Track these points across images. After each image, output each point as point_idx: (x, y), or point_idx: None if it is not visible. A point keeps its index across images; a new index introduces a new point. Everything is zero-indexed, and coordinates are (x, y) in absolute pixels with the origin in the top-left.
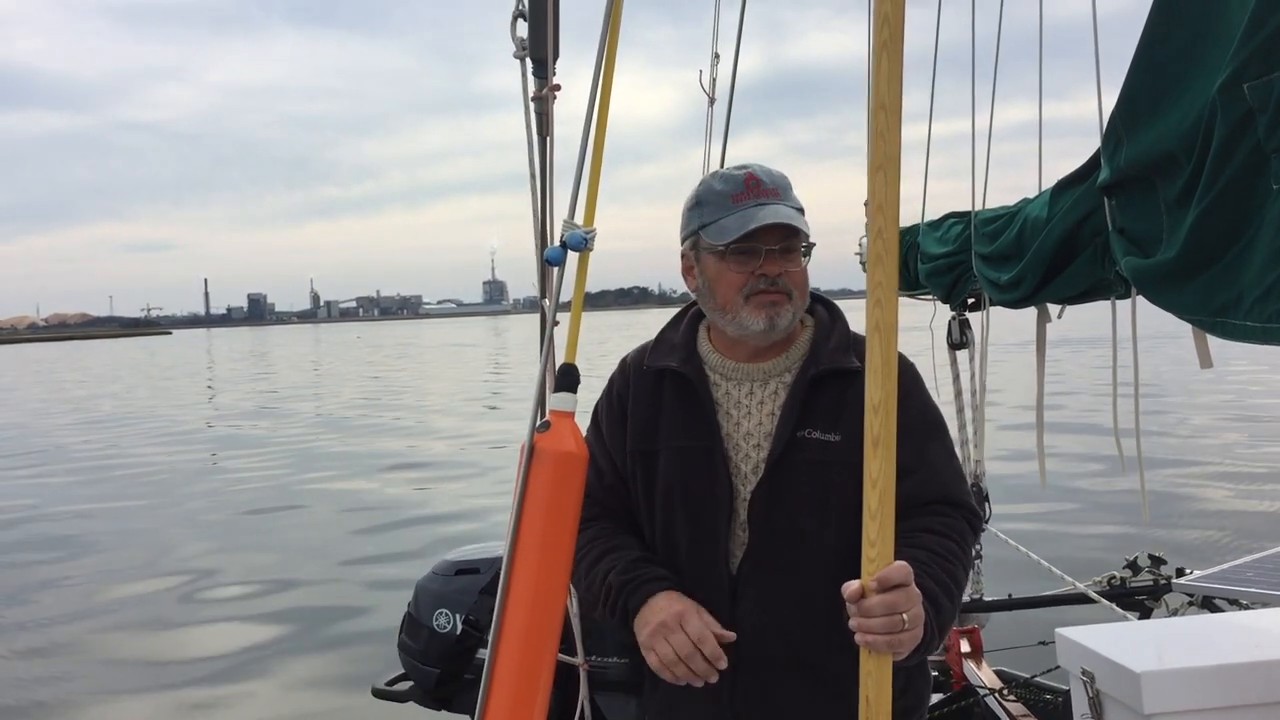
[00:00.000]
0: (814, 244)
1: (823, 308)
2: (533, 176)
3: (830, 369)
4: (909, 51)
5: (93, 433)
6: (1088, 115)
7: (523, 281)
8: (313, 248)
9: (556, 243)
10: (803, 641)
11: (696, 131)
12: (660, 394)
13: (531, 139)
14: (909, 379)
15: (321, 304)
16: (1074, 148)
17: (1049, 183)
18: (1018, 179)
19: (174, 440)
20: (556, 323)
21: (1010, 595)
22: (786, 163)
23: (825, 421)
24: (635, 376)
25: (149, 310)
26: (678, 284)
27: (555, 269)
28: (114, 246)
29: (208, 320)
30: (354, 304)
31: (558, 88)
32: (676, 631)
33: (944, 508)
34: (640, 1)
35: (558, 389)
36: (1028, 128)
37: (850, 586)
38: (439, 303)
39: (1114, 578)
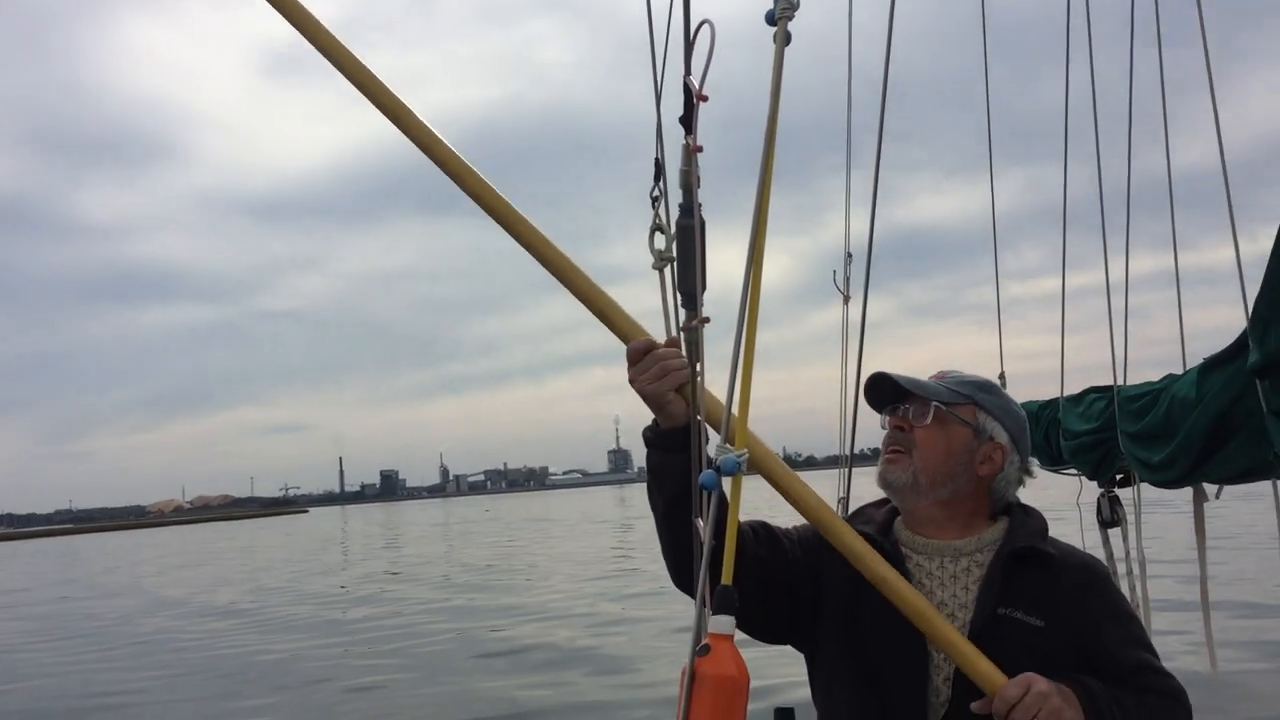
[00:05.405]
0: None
1: (1020, 509)
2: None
3: (1027, 547)
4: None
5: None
6: (1209, 265)
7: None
8: (441, 423)
9: (706, 465)
10: None
11: (809, 297)
12: None
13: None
14: (1097, 573)
15: (450, 478)
16: (1200, 298)
17: (1188, 339)
18: (1146, 331)
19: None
20: (713, 543)
21: None
22: (905, 323)
23: (1027, 603)
24: None
25: (287, 490)
26: (799, 448)
27: (707, 493)
28: (254, 429)
29: (342, 497)
30: (482, 477)
31: (708, 320)
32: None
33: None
34: (740, 175)
35: (717, 611)
36: (1151, 279)
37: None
38: (565, 473)
39: None
